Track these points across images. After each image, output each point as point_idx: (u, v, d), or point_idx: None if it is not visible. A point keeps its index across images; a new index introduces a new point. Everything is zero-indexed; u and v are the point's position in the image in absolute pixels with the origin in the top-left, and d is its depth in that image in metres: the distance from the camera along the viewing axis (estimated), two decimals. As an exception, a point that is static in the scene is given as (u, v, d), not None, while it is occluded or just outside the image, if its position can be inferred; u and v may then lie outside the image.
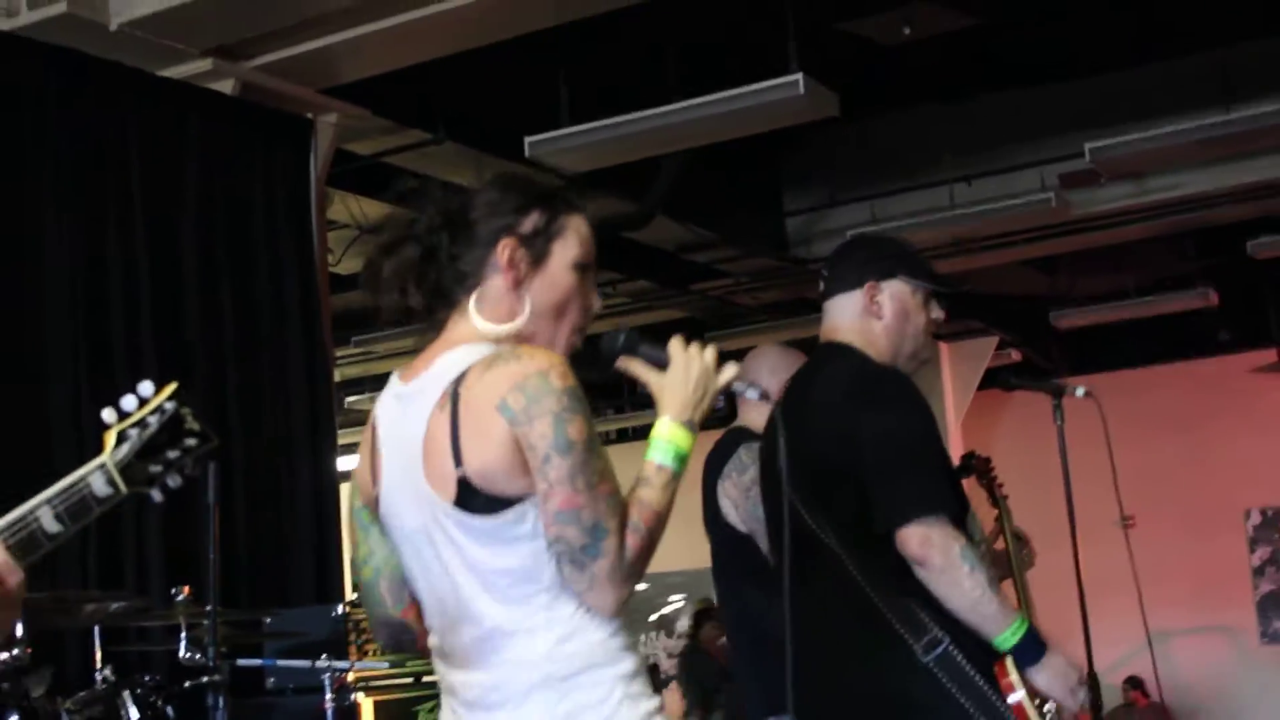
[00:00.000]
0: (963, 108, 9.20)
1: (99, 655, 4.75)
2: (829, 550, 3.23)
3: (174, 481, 2.04)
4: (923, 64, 8.33)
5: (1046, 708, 3.22)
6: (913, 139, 9.43)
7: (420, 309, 2.47)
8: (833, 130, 8.43)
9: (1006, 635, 3.15)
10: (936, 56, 8.22)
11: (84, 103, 5.90)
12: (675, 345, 2.50)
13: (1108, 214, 9.58)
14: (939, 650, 3.13)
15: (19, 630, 4.04)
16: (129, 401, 2.02)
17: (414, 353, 2.50)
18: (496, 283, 2.44)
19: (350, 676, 5.14)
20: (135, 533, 5.68)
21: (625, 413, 13.85)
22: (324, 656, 5.01)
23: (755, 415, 4.45)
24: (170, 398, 2.05)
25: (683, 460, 2.41)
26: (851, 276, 3.52)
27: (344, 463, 6.97)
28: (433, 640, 2.47)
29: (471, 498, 2.29)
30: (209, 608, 4.59)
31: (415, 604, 2.50)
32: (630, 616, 2.41)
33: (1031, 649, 3.18)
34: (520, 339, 2.42)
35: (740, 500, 4.45)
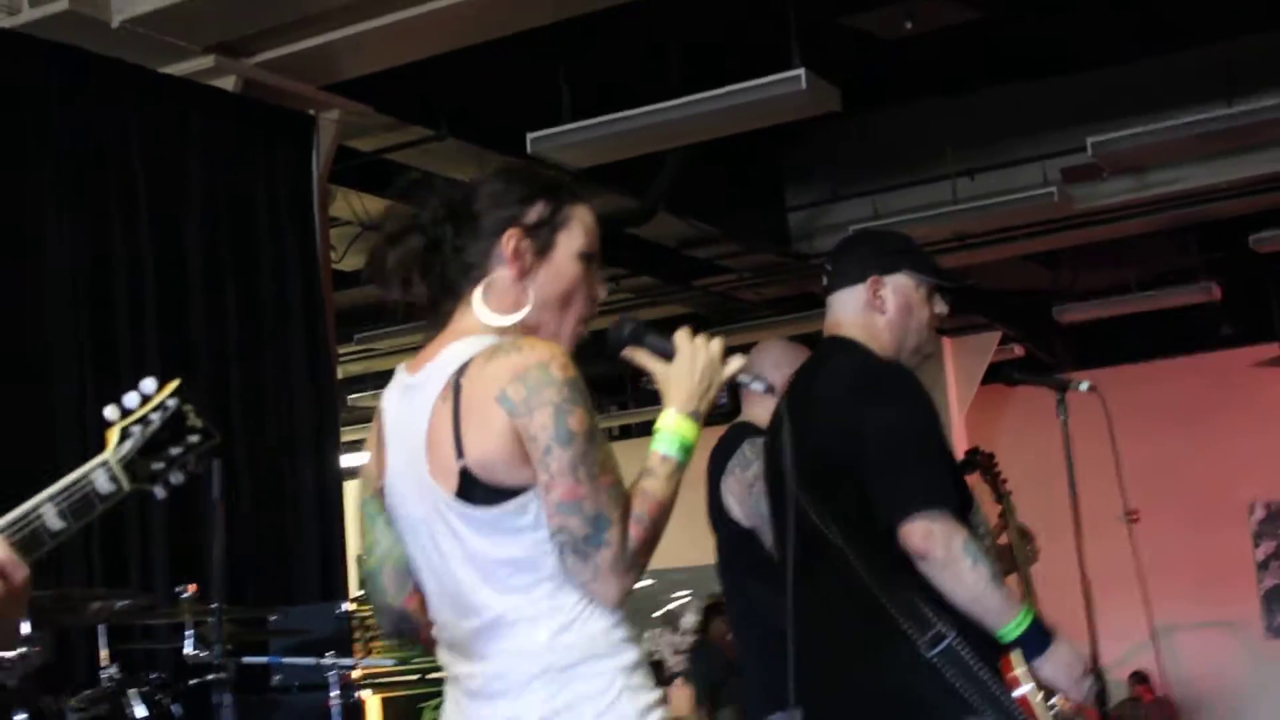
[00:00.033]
0: (964, 102, 9.19)
1: (105, 653, 4.75)
2: (833, 545, 3.23)
3: (177, 478, 2.04)
4: (924, 58, 8.32)
5: (1052, 701, 3.22)
6: (914, 134, 9.42)
7: (424, 300, 2.47)
8: (834, 125, 8.44)
9: (1011, 627, 3.15)
10: (938, 51, 8.22)
11: (86, 100, 5.90)
12: (682, 336, 2.50)
13: (1110, 208, 9.58)
14: (944, 645, 3.12)
15: (25, 628, 4.04)
16: (132, 399, 2.02)
17: (418, 348, 2.50)
18: (502, 274, 2.44)
19: (356, 674, 5.15)
20: (140, 530, 5.68)
21: (629, 409, 13.86)
22: (329, 654, 5.02)
23: (759, 410, 4.45)
24: (173, 394, 2.05)
25: (688, 451, 2.41)
26: (855, 271, 3.52)
27: (347, 460, 6.98)
28: (437, 630, 2.47)
29: (473, 489, 2.30)
30: (214, 605, 4.60)
31: (418, 594, 2.50)
32: (634, 612, 2.42)
33: (1037, 640, 3.18)
34: (526, 330, 2.42)
35: (744, 496, 4.46)
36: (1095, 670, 3.35)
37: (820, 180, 10.01)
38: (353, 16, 6.23)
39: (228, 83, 6.51)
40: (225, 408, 6.11)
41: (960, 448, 4.31)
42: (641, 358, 2.52)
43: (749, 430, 4.52)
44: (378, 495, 2.52)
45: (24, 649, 3.99)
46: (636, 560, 2.31)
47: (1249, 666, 13.38)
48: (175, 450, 2.03)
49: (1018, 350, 13.09)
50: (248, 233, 6.50)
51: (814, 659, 3.08)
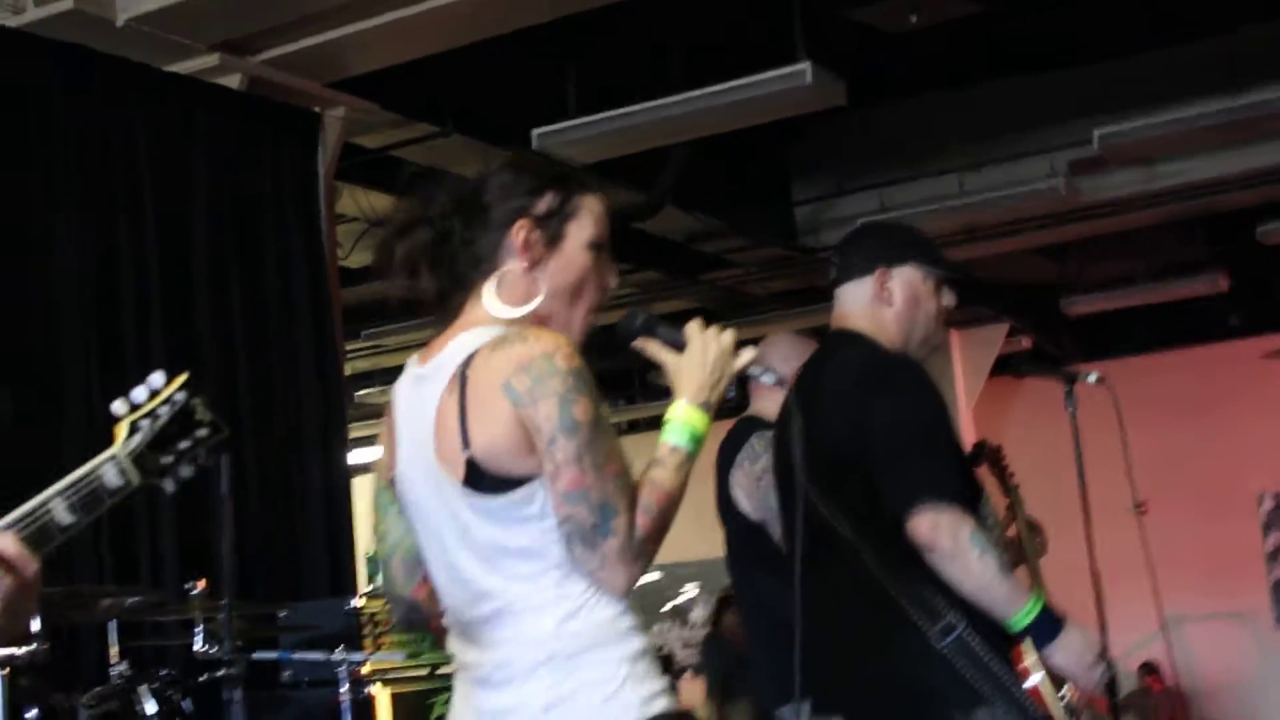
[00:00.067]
0: (970, 95, 9.18)
1: (115, 650, 4.76)
2: (842, 538, 3.22)
3: (186, 472, 2.04)
4: (930, 52, 8.31)
5: (1062, 692, 3.22)
6: (920, 127, 9.41)
7: (431, 293, 2.47)
8: (840, 119, 8.42)
9: (1020, 616, 3.15)
10: (943, 44, 8.20)
11: (91, 99, 5.90)
12: (693, 328, 2.50)
13: (1116, 200, 9.56)
14: (954, 636, 3.12)
15: (36, 625, 4.05)
16: (140, 393, 2.02)
17: (426, 343, 2.50)
18: (512, 265, 2.44)
19: (366, 669, 5.16)
20: (149, 527, 5.69)
21: (636, 403, 13.85)
22: (340, 649, 5.03)
23: (767, 403, 4.46)
24: (181, 388, 2.05)
25: (697, 442, 2.41)
26: (862, 263, 3.52)
27: (355, 456, 6.99)
28: (447, 619, 2.48)
29: (480, 478, 2.31)
30: (224, 601, 4.60)
31: (428, 584, 2.51)
32: (643, 606, 2.42)
33: (1048, 627, 3.17)
34: (537, 320, 2.43)
35: (752, 489, 4.46)
36: (1106, 658, 3.34)
37: (826, 174, 10.00)
38: (357, 14, 6.23)
39: (233, 81, 6.51)
40: (233, 405, 6.11)
41: (968, 440, 4.30)
42: (653, 349, 2.52)
43: (757, 424, 4.53)
44: (390, 486, 2.53)
45: (34, 645, 4.00)
46: (644, 549, 2.31)
47: (1258, 657, 13.37)
48: (184, 444, 2.03)
49: (1025, 342, 13.06)
50: (254, 230, 6.50)
51: (824, 651, 3.08)
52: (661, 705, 2.33)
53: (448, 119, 7.55)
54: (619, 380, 13.37)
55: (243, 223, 6.44)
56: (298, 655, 5.19)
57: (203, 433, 2.05)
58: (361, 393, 12.53)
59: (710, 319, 2.56)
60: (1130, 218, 10.06)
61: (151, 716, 4.51)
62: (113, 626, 4.77)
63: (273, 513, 6.23)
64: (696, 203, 9.18)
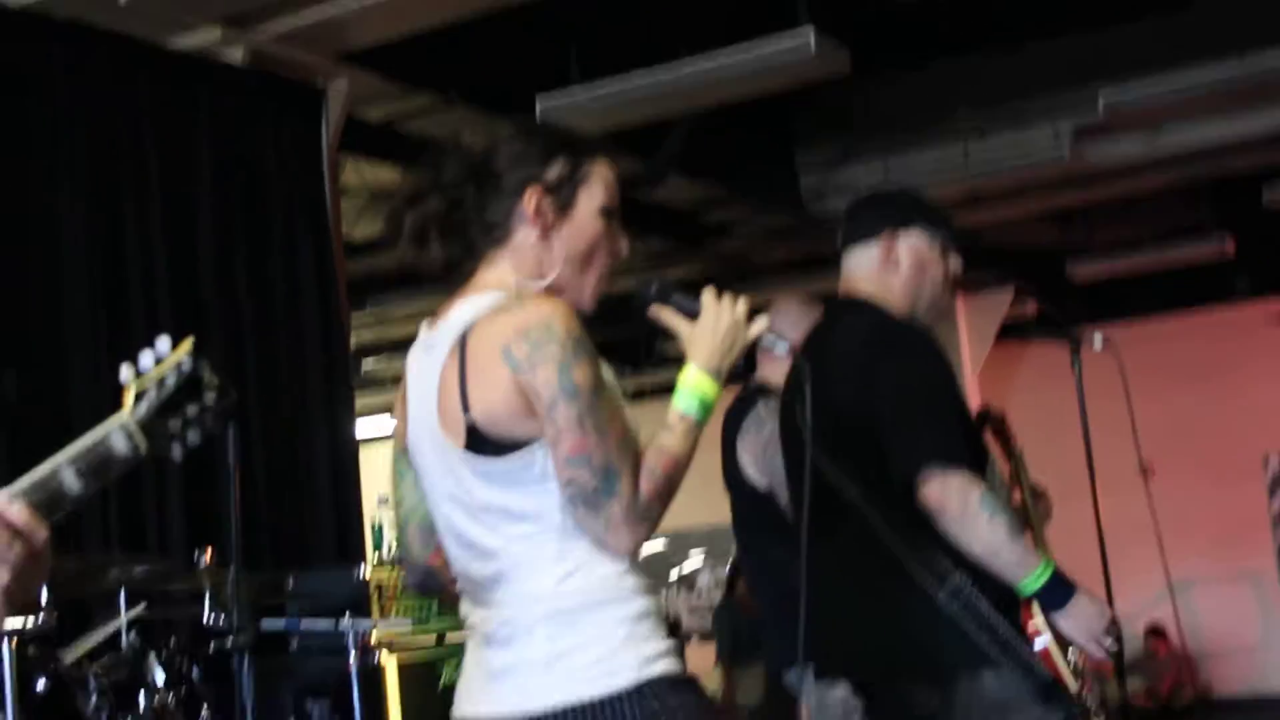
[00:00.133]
0: (975, 62, 9.14)
1: (124, 619, 4.79)
2: (849, 502, 3.23)
3: (194, 438, 2.04)
4: (934, 18, 8.28)
5: (1071, 652, 3.22)
6: (925, 94, 9.38)
7: (442, 261, 2.48)
8: (844, 87, 8.39)
9: (1031, 580, 3.15)
10: (948, 10, 8.17)
11: (94, 76, 5.90)
12: (708, 296, 2.51)
13: (1122, 166, 9.54)
14: (962, 597, 3.13)
15: (44, 595, 4.07)
16: (146, 359, 2.03)
17: (431, 313, 2.51)
18: (524, 233, 2.45)
19: (374, 636, 5.17)
20: (156, 497, 5.71)
21: (643, 370, 13.86)
22: (347, 617, 5.05)
23: (773, 371, 4.46)
24: (188, 353, 2.05)
25: (707, 409, 2.43)
26: (868, 229, 3.52)
27: (362, 425, 7.00)
28: (459, 583, 2.50)
29: (480, 442, 2.33)
30: (232, 570, 4.62)
31: (443, 551, 2.53)
32: (649, 574, 2.43)
33: (1058, 592, 3.17)
34: (550, 287, 2.43)
35: (759, 456, 4.47)
36: (1115, 627, 3.35)
37: (831, 142, 9.97)
38: (359, -15, 6.22)
39: (235, 55, 6.51)
40: (240, 376, 6.12)
41: (973, 406, 4.29)
42: (667, 317, 2.54)
43: (763, 391, 4.53)
44: (405, 453, 2.55)
45: (42, 614, 4.01)
46: (648, 512, 2.32)
47: (1265, 619, 13.40)
48: (192, 410, 2.03)
49: (1031, 307, 13.05)
50: (259, 204, 6.50)
51: (832, 615, 3.09)
52: (662, 668, 2.34)
53: (451, 90, 7.53)
54: (626, 347, 13.37)
55: (247, 197, 6.44)
56: (306, 623, 5.21)
57: (210, 397, 2.05)
58: (367, 364, 12.55)
59: (715, 287, 2.57)
60: (1136, 182, 10.04)
61: (160, 685, 4.53)
62: (122, 596, 4.79)
63: (280, 483, 6.25)
64: (701, 171, 9.16)
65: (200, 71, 6.39)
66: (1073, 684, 3.20)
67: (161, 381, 2.02)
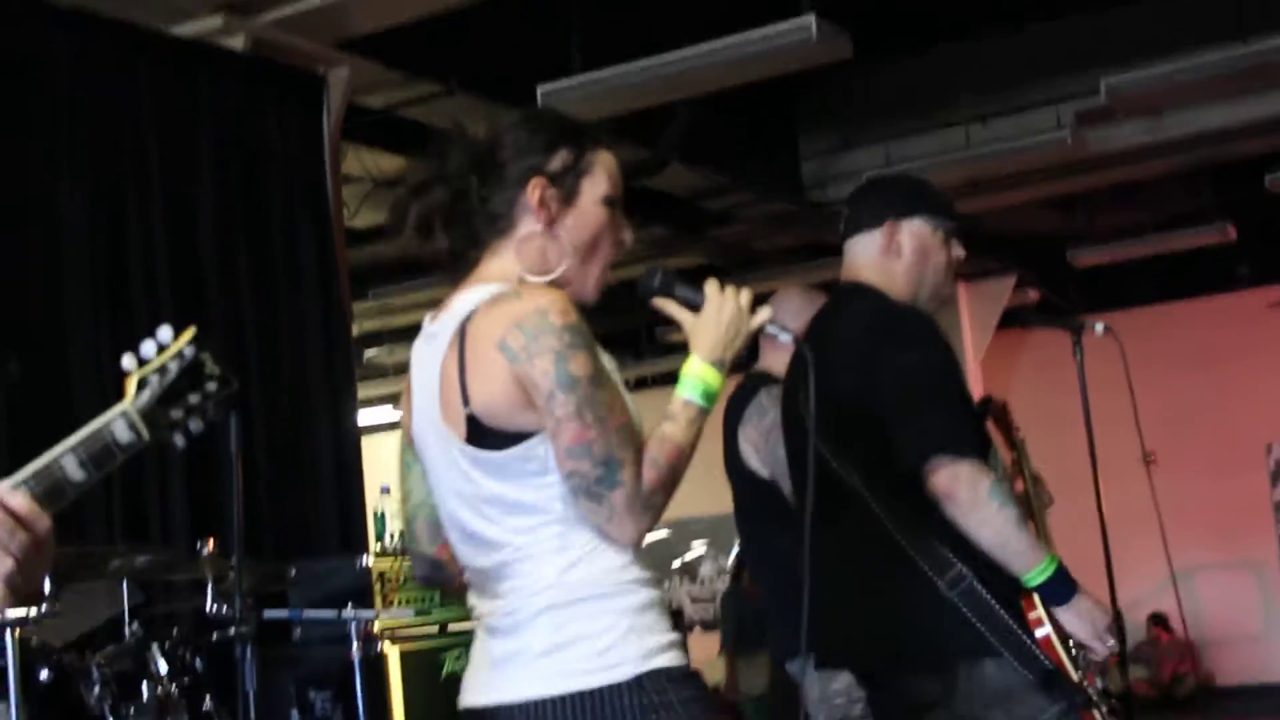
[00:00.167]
0: (976, 47, 9.14)
1: (126, 609, 4.79)
2: (852, 490, 3.23)
3: (196, 426, 2.04)
4: (935, 3, 8.27)
5: (1073, 641, 3.22)
6: (927, 79, 9.37)
7: (447, 252, 2.48)
8: (846, 72, 8.39)
9: (1036, 573, 3.14)
10: (949, -5, 8.18)
11: (95, 63, 5.89)
12: (711, 286, 2.50)
13: (1124, 151, 9.53)
14: (963, 586, 3.12)
15: (47, 585, 4.07)
16: (148, 347, 2.02)
17: (434, 303, 2.51)
18: (528, 224, 2.45)
19: (376, 626, 5.17)
20: (159, 486, 5.71)
21: (644, 359, 13.86)
22: (350, 607, 5.04)
23: (775, 359, 4.45)
24: (190, 342, 2.05)
25: (710, 398, 2.42)
26: (871, 216, 3.51)
27: (364, 415, 7.00)
28: (465, 575, 2.50)
29: (481, 434, 2.33)
30: (234, 560, 4.62)
31: (450, 544, 2.53)
32: (652, 563, 2.42)
33: (1060, 588, 3.16)
34: (554, 281, 2.43)
35: (761, 445, 4.46)
36: (1117, 617, 3.34)
37: (833, 128, 9.97)
38: (360, -28, 6.21)
39: (237, 43, 6.49)
40: (242, 367, 6.12)
41: (976, 394, 4.28)
42: (670, 308, 2.53)
43: (765, 379, 4.52)
44: (412, 444, 2.55)
45: (45, 605, 4.01)
46: (652, 501, 2.32)
47: (1268, 607, 13.41)
48: (194, 398, 2.03)
49: (1033, 295, 13.05)
50: (260, 192, 6.50)
51: (834, 603, 3.08)
52: (664, 660, 2.33)
53: (452, 77, 7.53)
54: (627, 337, 13.37)
55: (249, 185, 6.43)
56: (308, 613, 5.21)
57: (212, 386, 2.05)
58: (370, 353, 12.55)
59: (717, 275, 2.56)
60: (1138, 168, 10.04)
61: (163, 675, 4.53)
62: (124, 586, 4.79)
63: (283, 472, 6.26)
64: (702, 158, 9.16)
65: (201, 58, 6.38)
66: (1074, 673, 3.19)
67: (163, 370, 2.02)
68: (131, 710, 4.38)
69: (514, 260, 2.45)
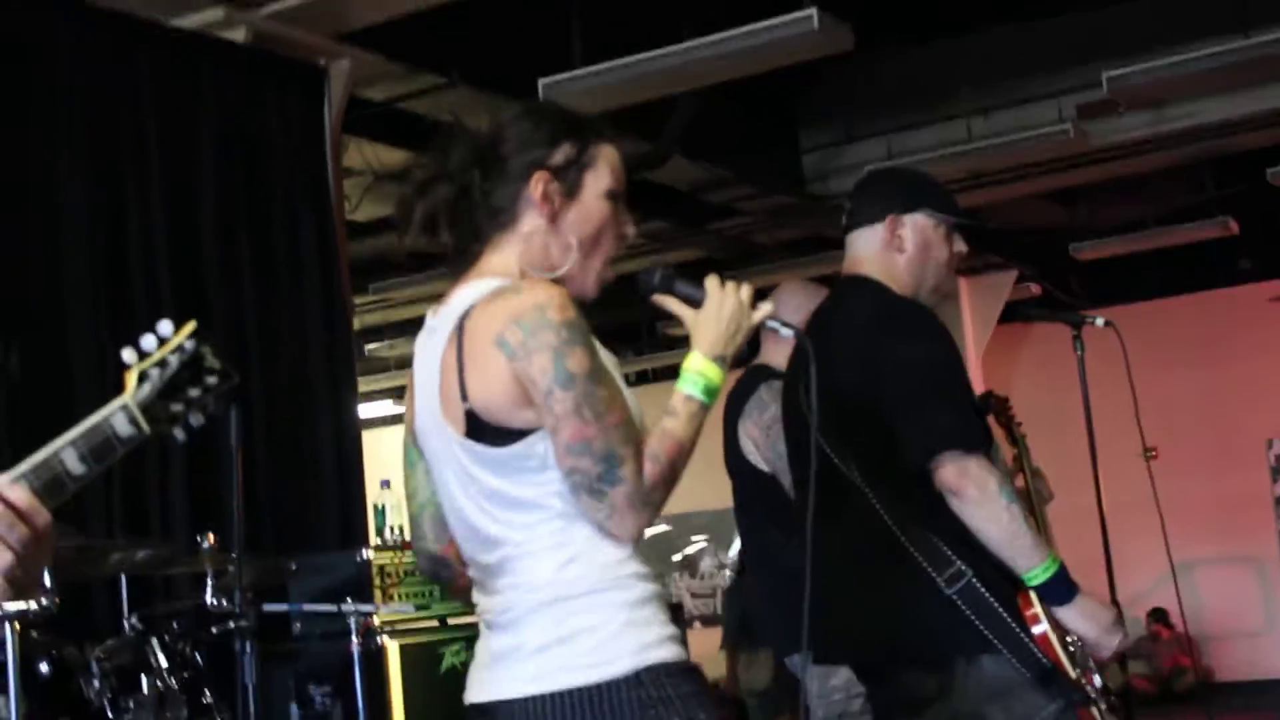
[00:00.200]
0: (978, 39, 9.13)
1: (126, 603, 4.78)
2: (852, 484, 3.22)
3: (196, 420, 2.03)
4: (937, -4, 8.27)
5: (1070, 638, 3.21)
6: (928, 72, 9.37)
7: (451, 248, 2.47)
8: (847, 65, 8.38)
9: (1038, 571, 3.13)
10: (951, -12, 8.17)
11: (97, 54, 5.88)
12: (712, 282, 2.50)
13: (1126, 144, 9.53)
14: (962, 583, 3.12)
15: (45, 579, 4.06)
16: (149, 341, 2.02)
17: (434, 298, 2.51)
18: (531, 218, 2.44)
19: (376, 620, 5.17)
20: (159, 479, 5.70)
21: (645, 354, 13.86)
22: (350, 601, 5.04)
23: (776, 353, 4.45)
24: (190, 336, 2.04)
25: (711, 394, 2.42)
26: (873, 210, 3.50)
27: (365, 409, 6.99)
28: (469, 571, 2.50)
29: (480, 429, 2.33)
30: (234, 554, 4.61)
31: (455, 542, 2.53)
32: (652, 557, 2.42)
33: (1062, 588, 3.16)
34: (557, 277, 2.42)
35: (761, 439, 4.46)
36: (1117, 611, 3.34)
37: (834, 121, 9.97)
38: (361, -36, 6.20)
39: (238, 34, 6.48)
40: (242, 359, 6.11)
41: (977, 389, 4.28)
42: (671, 304, 2.53)
43: (766, 373, 4.52)
44: (415, 439, 2.55)
45: (44, 599, 4.01)
46: (652, 497, 2.32)
47: (1267, 603, 13.41)
48: (194, 392, 2.03)
49: (1034, 288, 13.05)
50: (261, 184, 6.49)
51: (834, 598, 3.08)
52: (661, 654, 2.33)
53: (453, 70, 7.52)
54: (628, 332, 13.37)
55: (249, 177, 6.42)
56: (308, 607, 5.20)
57: (212, 380, 2.04)
58: (371, 346, 12.54)
59: (718, 268, 2.56)
60: (1139, 161, 10.03)
61: (163, 669, 4.53)
62: (124, 580, 4.79)
63: (283, 466, 6.25)
64: (704, 152, 9.15)
65: (202, 50, 6.37)
66: (1072, 671, 3.19)
67: (164, 364, 2.01)
68: (131, 704, 4.38)
69: (515, 254, 2.44)
